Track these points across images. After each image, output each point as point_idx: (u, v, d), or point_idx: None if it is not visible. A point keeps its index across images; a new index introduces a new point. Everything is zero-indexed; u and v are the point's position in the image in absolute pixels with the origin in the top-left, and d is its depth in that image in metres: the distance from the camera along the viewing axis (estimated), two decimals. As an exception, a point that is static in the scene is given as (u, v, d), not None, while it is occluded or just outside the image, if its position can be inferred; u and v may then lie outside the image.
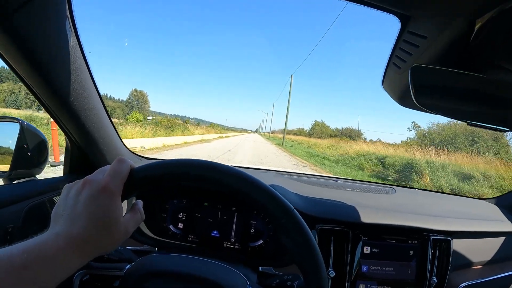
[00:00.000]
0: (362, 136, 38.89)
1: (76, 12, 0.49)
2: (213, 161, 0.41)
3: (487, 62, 0.43)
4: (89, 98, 0.60)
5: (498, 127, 0.47)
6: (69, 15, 0.48)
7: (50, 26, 0.45)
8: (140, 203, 0.40)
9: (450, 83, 0.45)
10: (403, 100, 0.56)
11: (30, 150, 0.66)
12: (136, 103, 48.86)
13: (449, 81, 0.45)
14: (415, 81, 0.43)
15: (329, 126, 47.53)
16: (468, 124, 0.49)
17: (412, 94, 0.44)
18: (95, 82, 0.61)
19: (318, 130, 46.34)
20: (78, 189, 0.33)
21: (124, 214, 0.35)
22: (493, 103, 0.46)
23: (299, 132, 55.96)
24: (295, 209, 0.39)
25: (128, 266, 0.45)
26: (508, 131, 0.47)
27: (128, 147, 0.88)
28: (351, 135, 39.05)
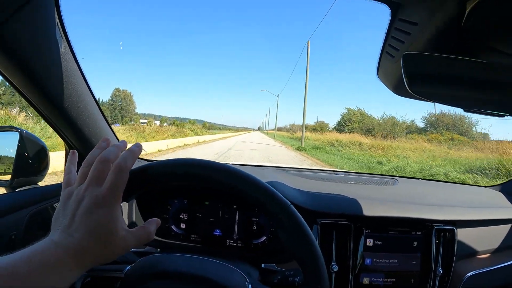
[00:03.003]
0: (473, 129, 19.17)
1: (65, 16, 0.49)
2: (211, 160, 0.41)
3: (481, 45, 0.43)
4: (84, 104, 0.61)
5: (495, 112, 0.47)
6: (58, 22, 0.48)
7: (40, 34, 0.46)
8: (153, 223, 0.38)
9: (444, 69, 0.44)
10: (398, 89, 0.55)
11: (30, 158, 0.67)
12: (120, 104, 43.04)
13: (442, 67, 0.44)
14: (408, 68, 0.43)
15: (371, 115, 26.70)
16: (465, 110, 0.48)
17: (405, 82, 0.43)
18: (90, 88, 0.62)
19: (360, 124, 25.45)
20: (79, 197, 0.33)
21: (127, 226, 0.35)
22: (489, 88, 0.45)
23: (320, 127, 35.91)
24: (291, 205, 0.39)
25: (128, 268, 0.45)
26: (505, 115, 0.47)
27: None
28: (456, 126, 18.83)
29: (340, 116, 29.86)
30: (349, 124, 27.15)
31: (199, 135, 23.56)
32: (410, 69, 0.43)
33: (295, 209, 0.39)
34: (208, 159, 0.41)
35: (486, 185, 1.02)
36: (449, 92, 0.45)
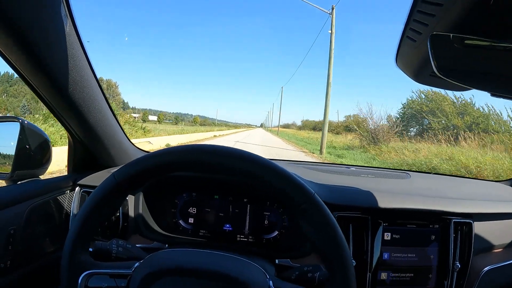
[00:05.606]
0: None
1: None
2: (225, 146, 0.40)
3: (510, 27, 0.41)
4: (89, 89, 0.58)
5: None
6: (64, 1, 0.45)
7: (43, 10, 0.43)
8: None
9: (471, 51, 0.42)
10: (419, 75, 0.54)
11: (32, 150, 0.64)
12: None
13: (470, 48, 0.42)
14: (435, 50, 0.41)
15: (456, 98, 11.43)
16: (492, 95, 0.46)
17: (433, 64, 0.41)
18: (95, 73, 0.58)
19: (466, 119, 10.59)
20: None
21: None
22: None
23: (356, 123, 13.14)
24: (315, 194, 0.37)
25: (137, 264, 0.43)
26: None
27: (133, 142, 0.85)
28: None
29: (402, 106, 15.68)
30: (434, 118, 12.66)
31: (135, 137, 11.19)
32: (438, 50, 0.41)
33: (320, 198, 0.37)
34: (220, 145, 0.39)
35: (496, 179, 1.01)
36: (476, 75, 0.44)
